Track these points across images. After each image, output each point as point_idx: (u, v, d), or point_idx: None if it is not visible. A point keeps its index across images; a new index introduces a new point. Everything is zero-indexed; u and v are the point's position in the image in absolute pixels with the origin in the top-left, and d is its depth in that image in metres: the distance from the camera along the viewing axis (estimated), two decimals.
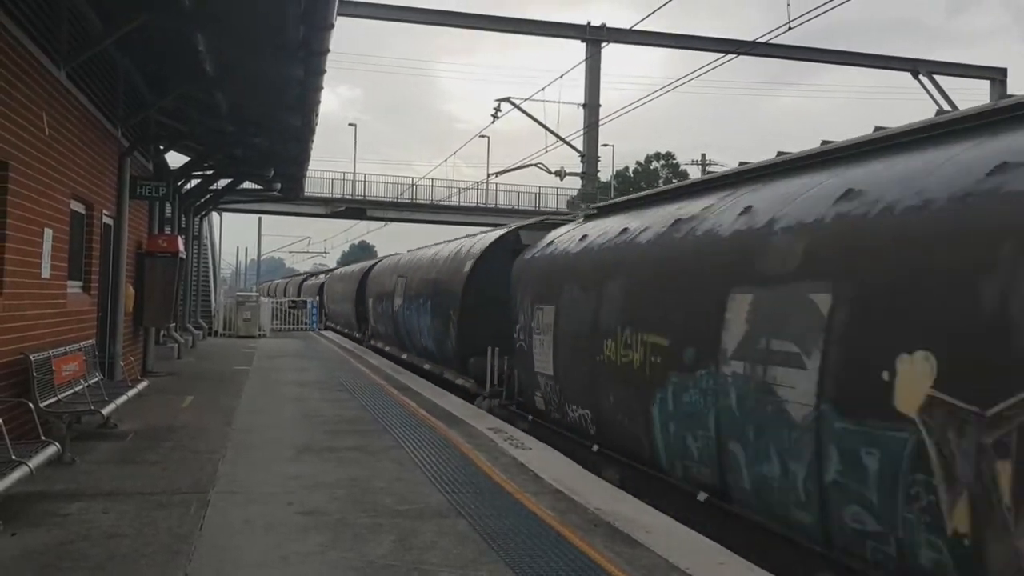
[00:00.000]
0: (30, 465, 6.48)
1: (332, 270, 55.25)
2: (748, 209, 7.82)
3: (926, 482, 5.17)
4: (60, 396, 9.33)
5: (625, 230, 10.39)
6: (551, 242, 13.18)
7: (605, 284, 10.19)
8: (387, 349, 25.54)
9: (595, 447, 10.24)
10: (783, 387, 6.50)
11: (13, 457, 6.50)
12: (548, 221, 16.89)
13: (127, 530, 6.11)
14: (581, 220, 13.57)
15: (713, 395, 7.50)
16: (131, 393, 10.85)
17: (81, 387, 10.11)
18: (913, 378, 5.27)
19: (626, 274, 9.76)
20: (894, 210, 5.89)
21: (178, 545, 5.79)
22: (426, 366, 19.91)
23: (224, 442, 9.63)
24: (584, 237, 11.71)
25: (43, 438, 7.62)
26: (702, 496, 7.70)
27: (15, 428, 8.07)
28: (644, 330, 8.95)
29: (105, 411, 9.38)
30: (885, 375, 5.46)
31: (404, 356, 22.62)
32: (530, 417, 12.70)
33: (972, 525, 4.88)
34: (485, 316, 15.64)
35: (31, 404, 8.29)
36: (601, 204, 14.05)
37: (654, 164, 71.19)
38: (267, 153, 19.32)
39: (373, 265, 32.32)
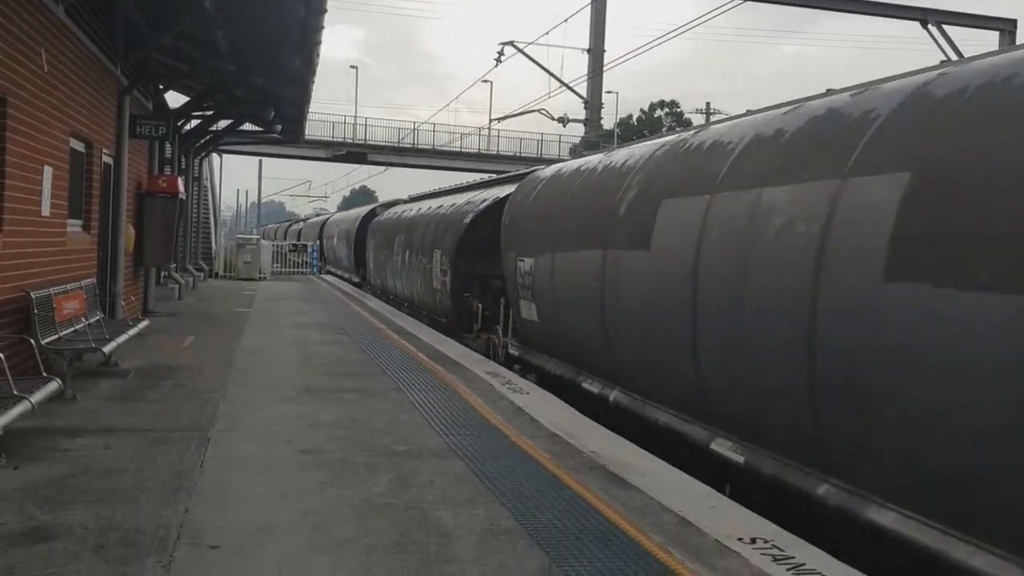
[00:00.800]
0: (31, 400, 6.55)
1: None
2: None
3: None
4: (61, 334, 9.38)
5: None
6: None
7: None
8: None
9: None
10: None
11: (15, 392, 6.56)
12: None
13: (128, 465, 6.19)
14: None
15: None
16: (132, 332, 10.91)
17: (82, 325, 10.16)
18: None
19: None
20: None
21: (179, 481, 5.87)
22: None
23: (224, 382, 9.71)
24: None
25: (44, 375, 7.69)
26: None
27: (17, 365, 8.13)
28: None
29: (106, 349, 9.44)
30: None
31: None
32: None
33: None
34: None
35: (32, 341, 8.35)
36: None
37: (658, 112, 70.59)
38: (267, 94, 19.13)
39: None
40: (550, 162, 16.17)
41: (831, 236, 5.84)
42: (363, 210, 37.47)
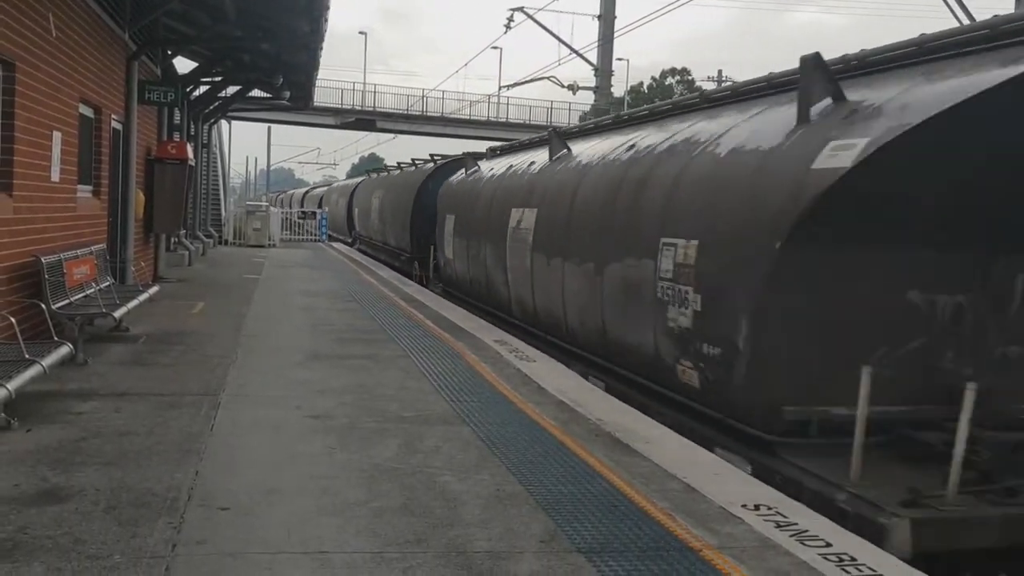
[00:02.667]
0: (43, 364, 6.62)
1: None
2: None
3: None
4: (72, 299, 9.45)
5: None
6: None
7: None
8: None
9: None
10: None
11: (26, 356, 6.63)
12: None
13: (139, 429, 6.26)
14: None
15: None
16: (142, 298, 10.97)
17: (93, 290, 10.22)
18: None
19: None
20: None
21: (189, 444, 5.94)
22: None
23: (234, 347, 9.78)
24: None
25: (56, 339, 7.75)
26: None
27: (28, 329, 8.21)
28: None
29: (117, 314, 9.50)
30: None
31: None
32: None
33: None
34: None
35: (43, 306, 8.41)
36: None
37: (669, 80, 70.04)
38: (276, 60, 19.04)
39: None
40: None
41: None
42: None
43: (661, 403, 8.20)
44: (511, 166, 15.42)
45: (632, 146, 10.32)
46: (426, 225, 21.88)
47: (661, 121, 11.07)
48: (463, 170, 19.33)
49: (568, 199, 11.20)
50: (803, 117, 7.13)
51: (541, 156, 13.87)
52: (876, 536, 5.11)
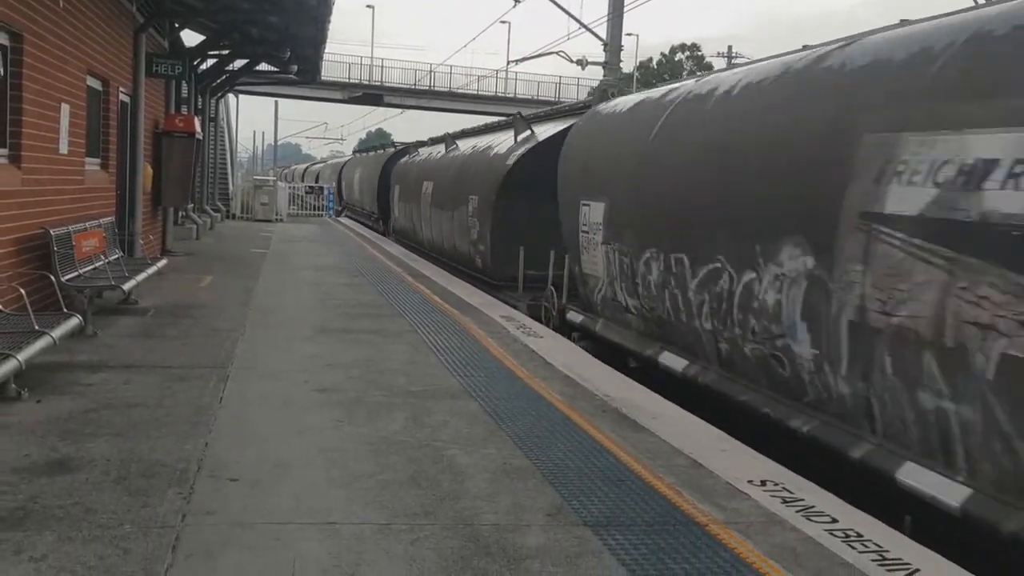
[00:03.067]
0: (53, 335, 6.65)
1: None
2: None
3: None
4: (81, 271, 9.48)
5: None
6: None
7: None
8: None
9: None
10: None
11: (36, 327, 6.67)
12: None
13: (149, 400, 6.30)
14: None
15: None
16: (151, 271, 11.00)
17: (101, 263, 10.26)
18: None
19: None
20: None
21: (198, 416, 5.97)
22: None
23: (242, 321, 9.80)
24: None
25: (65, 311, 7.79)
26: None
27: (38, 301, 8.24)
28: None
29: (126, 287, 9.53)
30: None
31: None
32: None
33: None
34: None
35: (53, 278, 8.44)
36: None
37: (679, 55, 69.52)
38: (283, 33, 18.93)
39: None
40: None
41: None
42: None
43: (469, 277, 15.70)
44: (428, 154, 23.79)
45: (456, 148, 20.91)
46: (387, 194, 29.09)
47: (471, 137, 21.48)
48: (407, 155, 27.75)
49: (444, 176, 19.63)
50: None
51: (440, 149, 22.40)
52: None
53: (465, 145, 20.61)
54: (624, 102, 11.43)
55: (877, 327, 5.66)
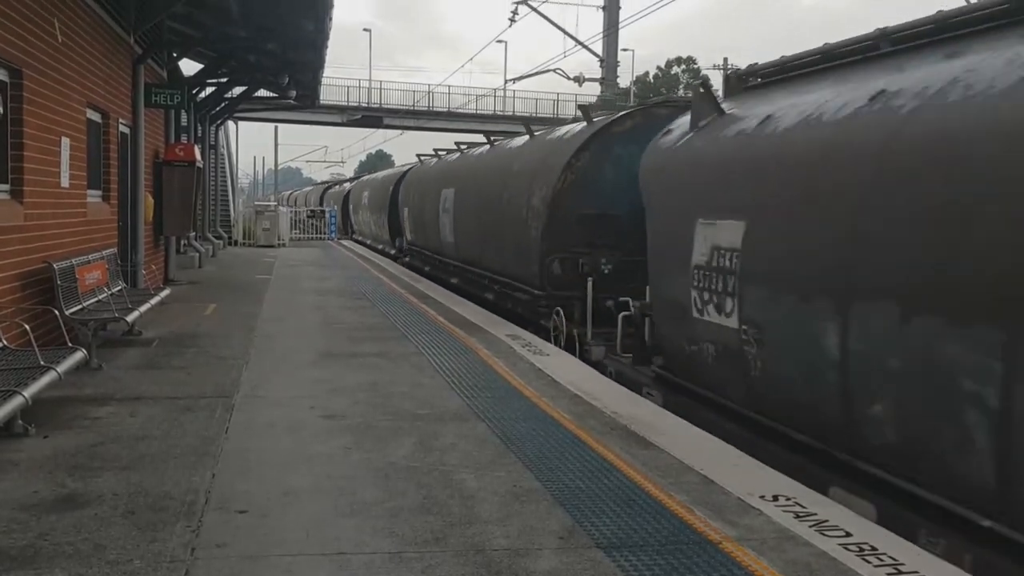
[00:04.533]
0: (58, 370, 6.63)
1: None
2: None
3: None
4: (85, 304, 9.47)
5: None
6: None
7: None
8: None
9: None
10: None
11: (41, 363, 6.65)
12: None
13: (155, 432, 6.28)
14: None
15: None
16: (154, 301, 10.99)
17: (105, 295, 10.25)
18: None
19: None
20: None
21: (205, 447, 5.95)
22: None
23: (247, 348, 9.79)
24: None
25: (70, 345, 7.78)
26: None
27: (42, 335, 8.23)
28: None
29: (129, 318, 9.52)
30: None
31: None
32: None
33: None
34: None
35: (56, 312, 8.43)
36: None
37: (675, 69, 69.79)
38: (281, 59, 19.06)
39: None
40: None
41: None
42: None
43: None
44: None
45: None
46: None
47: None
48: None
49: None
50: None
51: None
52: None
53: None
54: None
55: None
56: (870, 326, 5.65)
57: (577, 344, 10.84)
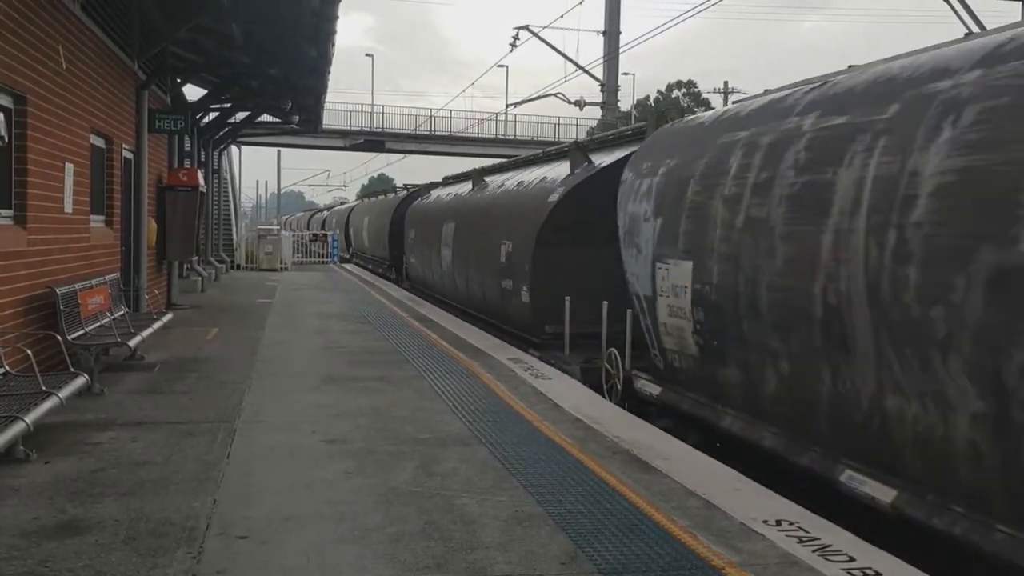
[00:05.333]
0: (60, 396, 6.63)
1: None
2: None
3: None
4: (87, 329, 9.48)
5: None
6: None
7: None
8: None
9: None
10: None
11: (43, 388, 6.65)
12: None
13: (156, 458, 6.27)
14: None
15: None
16: (156, 325, 11.01)
17: (107, 320, 10.27)
18: None
19: None
20: None
21: (207, 472, 5.94)
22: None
23: (249, 372, 9.79)
24: None
25: (72, 370, 7.79)
26: None
27: (44, 360, 8.24)
28: None
29: (132, 343, 9.53)
30: None
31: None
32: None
33: None
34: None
35: (59, 337, 8.44)
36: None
37: (675, 93, 70.11)
38: (284, 85, 19.20)
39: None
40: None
41: None
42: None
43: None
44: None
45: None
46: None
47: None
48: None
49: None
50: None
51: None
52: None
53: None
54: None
55: None
56: None
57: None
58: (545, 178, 14.21)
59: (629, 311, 10.09)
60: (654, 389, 9.40)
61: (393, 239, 28.28)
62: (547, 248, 12.37)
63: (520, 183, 15.56)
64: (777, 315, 6.92)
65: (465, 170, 24.43)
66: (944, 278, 5.19)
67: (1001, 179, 4.94)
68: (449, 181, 24.12)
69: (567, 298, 11.71)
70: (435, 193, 23.98)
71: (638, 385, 9.77)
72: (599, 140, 15.56)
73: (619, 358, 10.27)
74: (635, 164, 10.30)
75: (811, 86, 7.49)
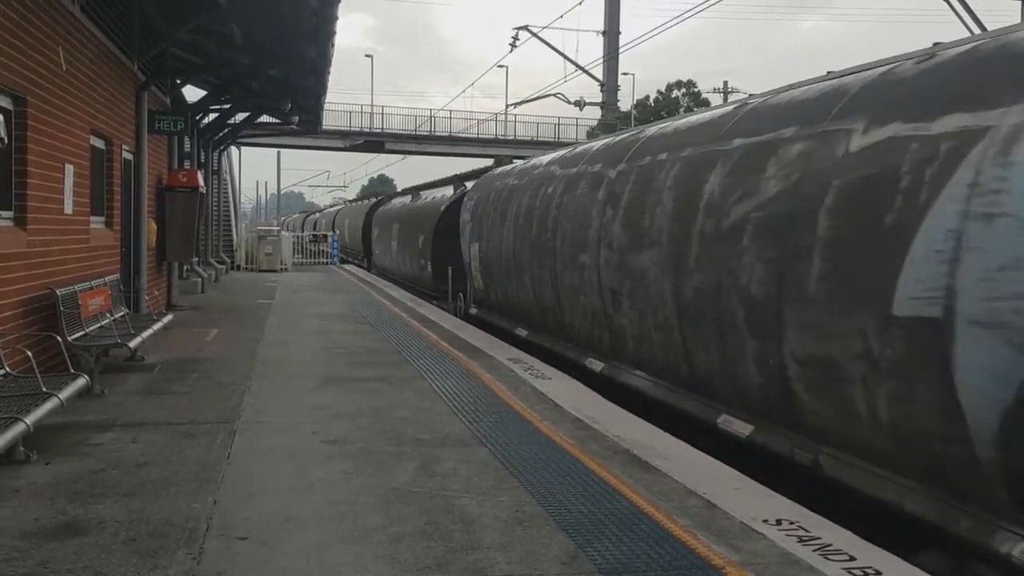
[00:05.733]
0: (60, 397, 6.63)
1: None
2: None
3: None
4: (87, 330, 9.49)
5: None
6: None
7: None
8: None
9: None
10: None
11: (44, 389, 6.65)
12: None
13: (156, 459, 6.27)
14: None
15: None
16: (157, 326, 11.01)
17: (107, 321, 10.27)
18: None
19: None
20: None
21: (207, 473, 5.94)
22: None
23: (249, 373, 9.79)
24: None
25: (72, 371, 7.78)
26: None
27: (45, 362, 8.25)
28: None
29: (132, 344, 9.53)
30: None
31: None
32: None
33: None
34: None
35: (59, 338, 8.44)
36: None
37: (675, 93, 70.09)
38: (284, 85, 19.19)
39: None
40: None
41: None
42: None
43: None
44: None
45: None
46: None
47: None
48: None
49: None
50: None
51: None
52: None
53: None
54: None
55: None
56: None
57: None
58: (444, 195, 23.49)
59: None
60: (473, 310, 17.50)
61: (364, 236, 36.47)
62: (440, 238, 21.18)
63: (430, 198, 25.34)
64: (501, 267, 14.50)
65: (447, 174, 31.17)
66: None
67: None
68: (404, 192, 34.23)
69: (449, 268, 19.82)
70: (393, 201, 33.85)
71: (468, 310, 17.80)
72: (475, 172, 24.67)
73: (463, 298, 18.76)
74: (469, 193, 18.74)
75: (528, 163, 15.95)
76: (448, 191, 23.79)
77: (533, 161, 15.28)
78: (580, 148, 13.16)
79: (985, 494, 4.80)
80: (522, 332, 13.76)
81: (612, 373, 9.91)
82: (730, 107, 8.88)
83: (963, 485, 4.96)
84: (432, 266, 21.60)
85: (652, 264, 8.59)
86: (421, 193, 28.29)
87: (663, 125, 10.23)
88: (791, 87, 7.73)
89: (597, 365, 10.37)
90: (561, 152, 13.93)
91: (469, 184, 22.24)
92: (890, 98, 5.92)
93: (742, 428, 7.11)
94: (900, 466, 5.47)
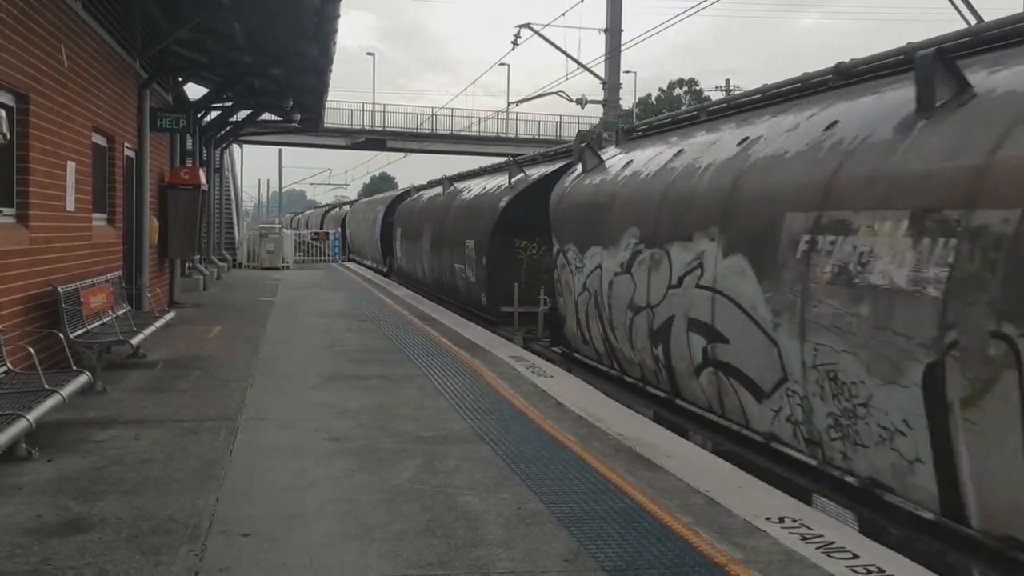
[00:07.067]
0: (62, 393, 6.64)
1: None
2: None
3: None
4: (89, 327, 9.49)
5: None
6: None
7: None
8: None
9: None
10: None
11: (46, 386, 6.66)
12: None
13: (159, 456, 6.27)
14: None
15: None
16: (159, 324, 11.01)
17: (109, 318, 10.27)
18: None
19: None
20: None
21: (209, 470, 5.94)
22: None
23: (251, 371, 9.79)
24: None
25: (74, 368, 7.79)
26: None
27: (47, 359, 8.24)
28: None
29: (134, 341, 9.53)
30: None
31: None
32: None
33: None
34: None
35: (61, 335, 8.45)
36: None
37: (677, 91, 70.04)
38: (285, 84, 19.18)
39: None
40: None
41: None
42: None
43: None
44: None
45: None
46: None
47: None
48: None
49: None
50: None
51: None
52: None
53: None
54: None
55: None
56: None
57: None
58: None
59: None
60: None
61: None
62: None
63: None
64: (410, 253, 23.08)
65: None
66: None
67: None
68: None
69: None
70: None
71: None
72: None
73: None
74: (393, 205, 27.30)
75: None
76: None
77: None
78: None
79: None
80: None
81: None
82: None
83: None
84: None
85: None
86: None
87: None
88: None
89: None
90: None
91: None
92: None
93: None
94: None
